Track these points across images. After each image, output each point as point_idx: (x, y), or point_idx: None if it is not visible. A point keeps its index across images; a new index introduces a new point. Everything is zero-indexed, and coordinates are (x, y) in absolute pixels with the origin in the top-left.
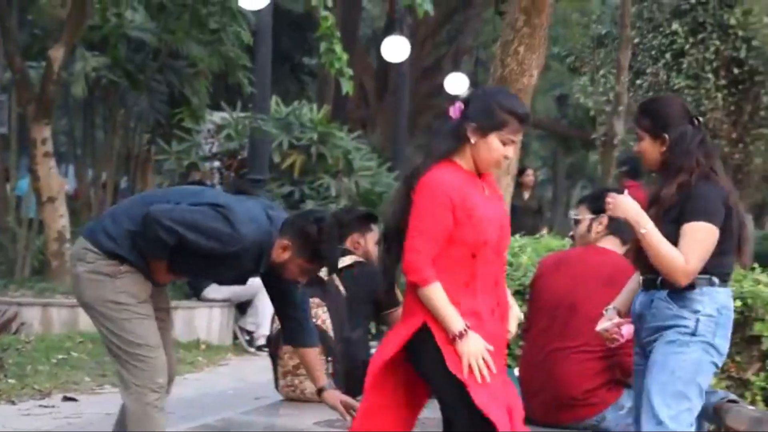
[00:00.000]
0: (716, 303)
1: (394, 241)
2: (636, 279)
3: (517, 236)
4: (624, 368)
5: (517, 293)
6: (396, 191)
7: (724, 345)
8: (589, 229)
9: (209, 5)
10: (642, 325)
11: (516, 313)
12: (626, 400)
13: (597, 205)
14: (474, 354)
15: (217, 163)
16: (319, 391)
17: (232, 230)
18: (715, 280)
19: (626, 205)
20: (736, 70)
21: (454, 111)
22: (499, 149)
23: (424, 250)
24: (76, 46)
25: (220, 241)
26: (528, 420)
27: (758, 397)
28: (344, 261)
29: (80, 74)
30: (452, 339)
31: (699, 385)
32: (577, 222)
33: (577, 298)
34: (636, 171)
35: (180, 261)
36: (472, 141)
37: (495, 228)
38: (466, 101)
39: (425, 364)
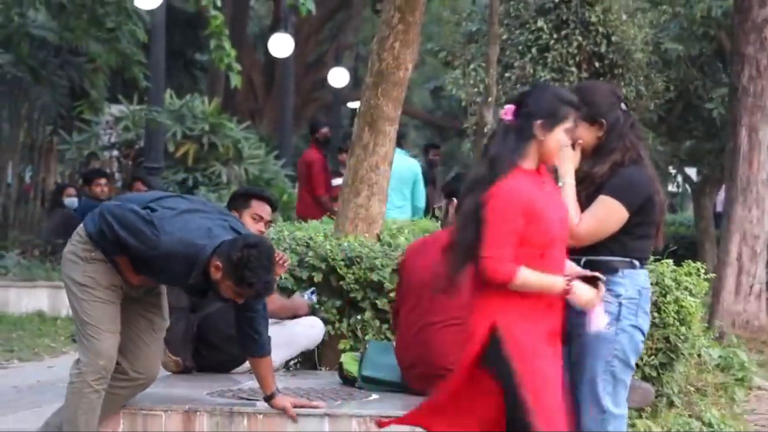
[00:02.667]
0: (637, 285)
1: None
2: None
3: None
4: None
5: (394, 271)
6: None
7: (647, 323)
8: (446, 212)
9: (106, 5)
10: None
11: None
12: None
13: (451, 189)
14: (588, 300)
15: (115, 153)
16: (268, 398)
17: (152, 235)
18: (636, 263)
19: (564, 156)
20: (597, 64)
21: (507, 114)
22: (564, 140)
23: (503, 257)
24: None
25: (143, 243)
26: (409, 390)
27: None
28: None
29: None
30: (565, 295)
31: (631, 366)
32: (438, 207)
33: (437, 277)
34: None
35: (136, 261)
36: (540, 138)
37: (558, 224)
38: (519, 101)
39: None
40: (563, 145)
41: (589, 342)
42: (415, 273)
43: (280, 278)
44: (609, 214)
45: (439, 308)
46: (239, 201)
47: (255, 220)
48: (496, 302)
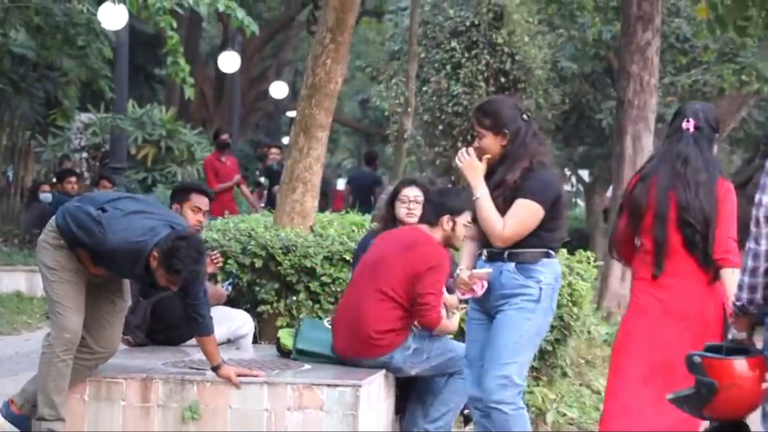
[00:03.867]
0: (554, 272)
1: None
2: (473, 245)
3: (327, 212)
4: (424, 322)
5: (325, 258)
6: (703, 185)
7: (555, 306)
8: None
9: (77, 26)
10: (489, 292)
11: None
12: (411, 341)
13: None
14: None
15: (84, 155)
16: (215, 368)
17: (100, 234)
18: (551, 252)
19: (471, 169)
20: (502, 79)
21: (689, 126)
22: None
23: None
24: None
25: (93, 240)
26: (337, 361)
27: None
28: None
29: None
30: None
31: (537, 344)
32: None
33: (384, 255)
34: None
35: (92, 254)
36: (715, 147)
37: None
38: (697, 116)
39: None
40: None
41: (506, 317)
42: (368, 255)
43: (224, 264)
44: (529, 214)
45: (381, 279)
46: (180, 195)
47: (194, 211)
48: (721, 290)
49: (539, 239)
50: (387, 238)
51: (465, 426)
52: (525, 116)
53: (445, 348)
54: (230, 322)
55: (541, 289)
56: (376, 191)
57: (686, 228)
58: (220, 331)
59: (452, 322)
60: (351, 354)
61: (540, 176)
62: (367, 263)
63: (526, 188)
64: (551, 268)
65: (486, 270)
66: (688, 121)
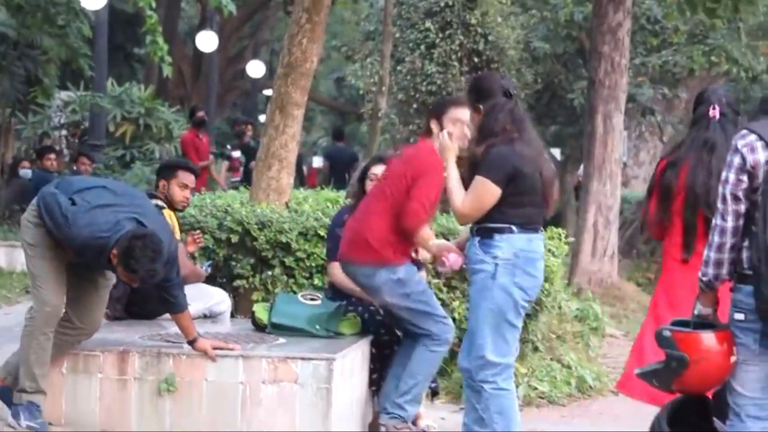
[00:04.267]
0: (514, 248)
1: None
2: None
3: (301, 189)
4: (406, 224)
5: (300, 234)
6: None
7: (530, 282)
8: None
9: (57, 5)
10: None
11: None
12: (402, 270)
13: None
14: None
15: (64, 132)
16: (191, 342)
17: (66, 227)
18: (515, 228)
19: (442, 149)
20: (476, 59)
21: (715, 113)
22: None
23: None
24: None
25: (60, 232)
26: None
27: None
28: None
29: None
30: None
31: (508, 320)
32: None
33: (392, 167)
34: None
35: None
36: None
37: None
38: (721, 102)
39: None
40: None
41: (472, 296)
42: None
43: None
44: (483, 191)
45: (387, 193)
46: (166, 171)
47: (181, 188)
48: None
49: (502, 215)
50: (402, 152)
51: (432, 399)
52: (508, 93)
53: (431, 303)
54: (207, 297)
55: (496, 265)
56: (353, 167)
57: (708, 212)
58: (197, 307)
59: (431, 239)
60: (346, 255)
61: (495, 152)
62: (381, 179)
63: (482, 165)
64: (510, 244)
65: (449, 244)
66: (714, 108)
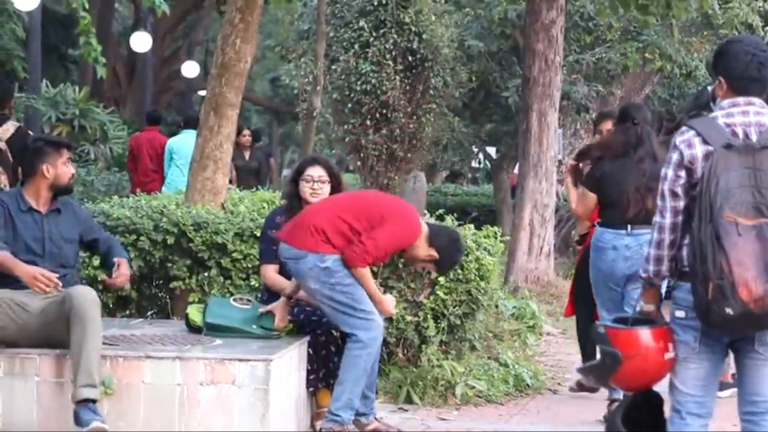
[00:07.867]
0: None
1: None
2: None
3: (236, 189)
4: (348, 255)
5: (236, 235)
6: None
7: None
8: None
9: None
10: None
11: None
12: (332, 259)
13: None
14: None
15: None
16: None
17: None
18: None
19: None
20: (410, 58)
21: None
22: None
23: None
24: None
25: None
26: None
27: (429, 316)
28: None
29: None
30: None
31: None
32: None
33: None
34: None
35: None
36: None
37: None
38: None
39: None
40: None
41: None
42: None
43: (137, 240)
44: None
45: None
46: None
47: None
48: None
49: None
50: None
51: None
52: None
53: (359, 300)
54: None
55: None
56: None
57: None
58: None
59: (375, 290)
60: (283, 236)
61: None
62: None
63: None
64: None
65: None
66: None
